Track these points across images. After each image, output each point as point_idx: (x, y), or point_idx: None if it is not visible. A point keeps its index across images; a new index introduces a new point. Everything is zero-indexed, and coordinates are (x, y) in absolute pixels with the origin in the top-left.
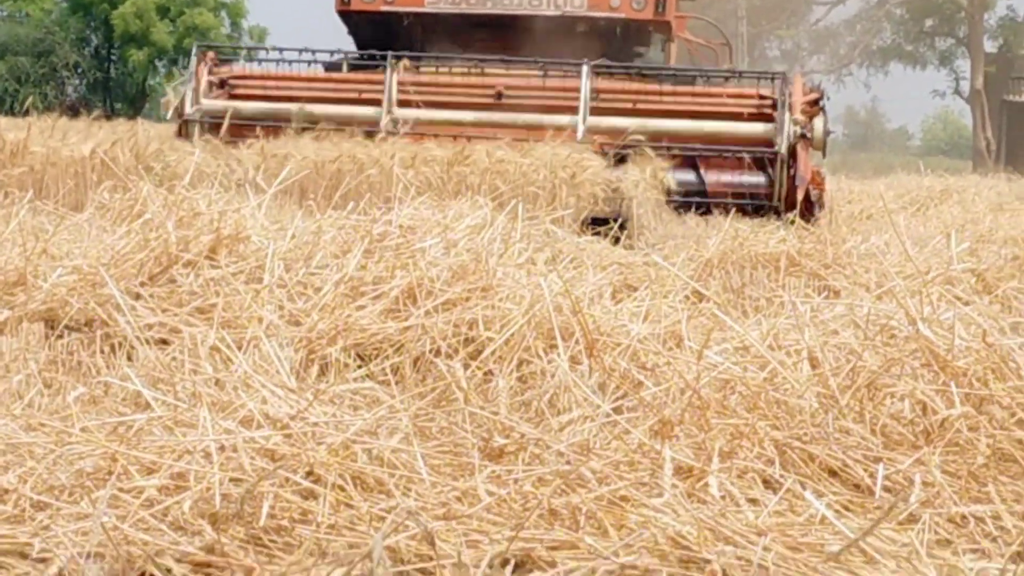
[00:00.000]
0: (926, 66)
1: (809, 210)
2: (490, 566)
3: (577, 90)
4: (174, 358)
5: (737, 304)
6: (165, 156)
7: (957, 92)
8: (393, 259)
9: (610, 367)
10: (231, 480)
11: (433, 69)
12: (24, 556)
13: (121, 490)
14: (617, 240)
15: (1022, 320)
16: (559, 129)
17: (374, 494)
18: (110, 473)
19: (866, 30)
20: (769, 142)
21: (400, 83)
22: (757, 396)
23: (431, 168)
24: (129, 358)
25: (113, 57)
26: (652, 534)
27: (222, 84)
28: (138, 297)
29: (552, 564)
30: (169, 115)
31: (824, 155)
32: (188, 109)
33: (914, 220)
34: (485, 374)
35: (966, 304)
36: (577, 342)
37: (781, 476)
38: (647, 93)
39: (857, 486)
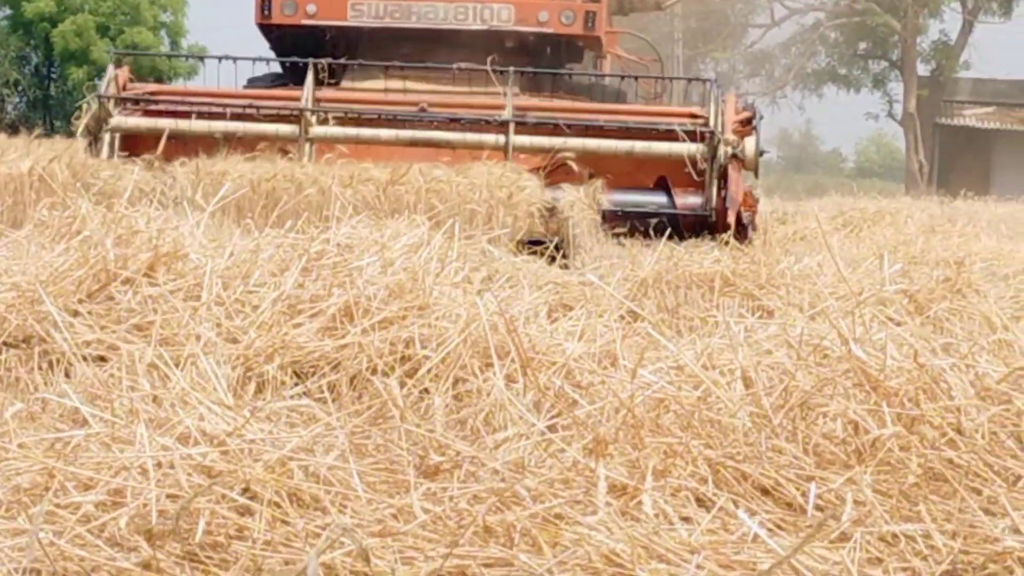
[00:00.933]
0: (860, 89)
1: (741, 232)
2: None
3: (503, 107)
4: (112, 375)
5: (671, 324)
6: (103, 173)
7: (890, 115)
8: (330, 277)
9: (545, 386)
10: (168, 496)
11: (352, 83)
12: None
13: (58, 506)
14: (553, 260)
15: (953, 341)
16: (482, 148)
17: (310, 511)
18: (47, 489)
19: (800, 53)
20: (700, 162)
21: (318, 99)
22: (691, 415)
23: (368, 187)
24: (67, 375)
25: (53, 75)
26: (586, 552)
27: (137, 101)
28: (76, 314)
29: None
30: (80, 132)
31: (757, 176)
32: (112, 113)
33: (847, 241)
34: (421, 392)
35: (898, 325)
36: (513, 361)
37: (714, 495)
38: (575, 111)
39: (789, 505)
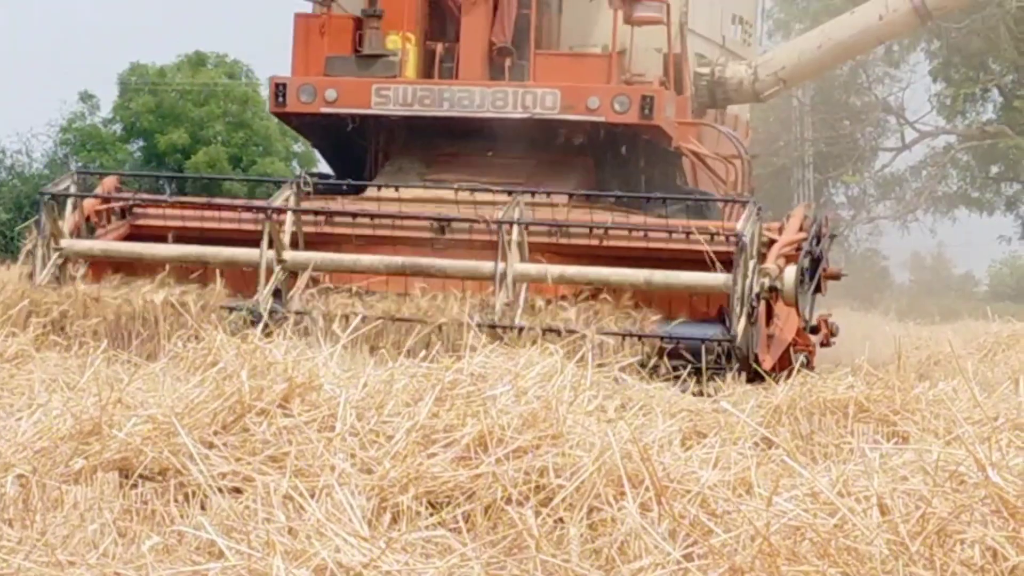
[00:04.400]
0: (992, 212)
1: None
2: None
3: (535, 224)
4: (247, 507)
5: (806, 450)
6: (238, 304)
7: None
8: (464, 407)
9: (680, 514)
10: None
11: (381, 190)
12: None
13: None
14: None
15: None
16: (478, 279)
17: None
18: None
19: (932, 176)
20: (727, 295)
21: (312, 212)
22: (827, 543)
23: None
24: (203, 507)
25: None
26: None
27: (123, 213)
28: (212, 446)
29: None
30: (22, 259)
31: (799, 314)
32: (39, 260)
33: (982, 366)
34: (556, 521)
35: None
36: (647, 489)
37: None
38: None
39: None
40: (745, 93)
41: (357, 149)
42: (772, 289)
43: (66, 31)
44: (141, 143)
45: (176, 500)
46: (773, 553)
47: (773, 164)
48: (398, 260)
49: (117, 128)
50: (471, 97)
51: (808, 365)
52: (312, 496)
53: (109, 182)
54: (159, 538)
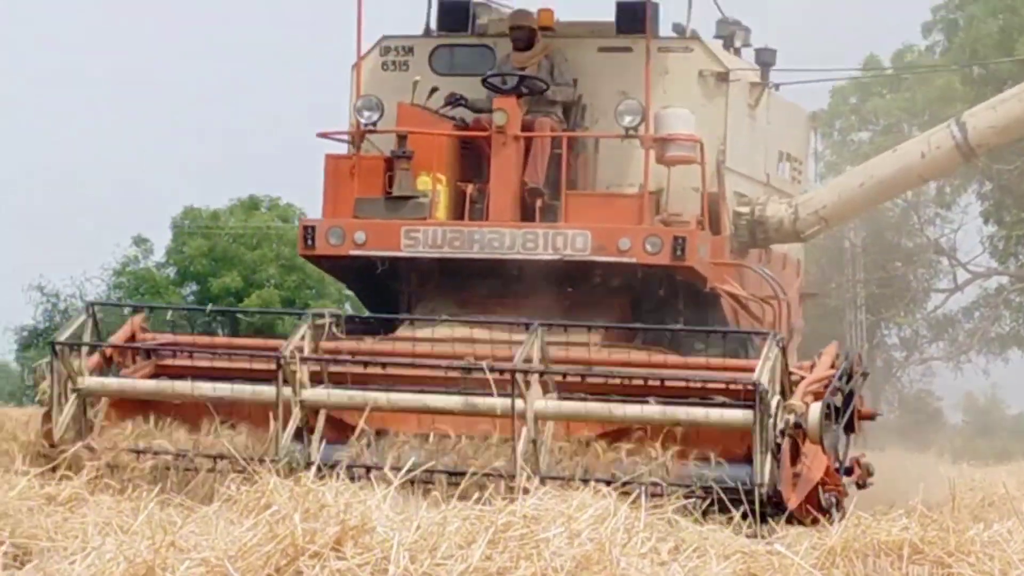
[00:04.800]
0: None
1: (818, 515)
2: None
3: (563, 362)
4: None
5: None
6: (286, 446)
7: None
8: (517, 549)
9: None
10: None
11: (409, 331)
12: None
13: None
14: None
15: None
16: (495, 418)
17: None
18: None
19: (984, 317)
20: (747, 433)
21: (331, 351)
22: None
23: (552, 456)
24: None
25: None
26: None
27: (148, 353)
28: None
29: None
30: (37, 397)
31: (824, 450)
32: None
33: None
34: None
35: None
36: None
37: None
38: (612, 365)
39: None
40: (786, 232)
41: (390, 290)
42: (797, 426)
43: (119, 175)
44: (195, 287)
45: None
46: None
47: (825, 305)
48: (416, 399)
49: (171, 272)
50: (501, 239)
51: (837, 506)
52: None
53: (136, 322)
54: None
